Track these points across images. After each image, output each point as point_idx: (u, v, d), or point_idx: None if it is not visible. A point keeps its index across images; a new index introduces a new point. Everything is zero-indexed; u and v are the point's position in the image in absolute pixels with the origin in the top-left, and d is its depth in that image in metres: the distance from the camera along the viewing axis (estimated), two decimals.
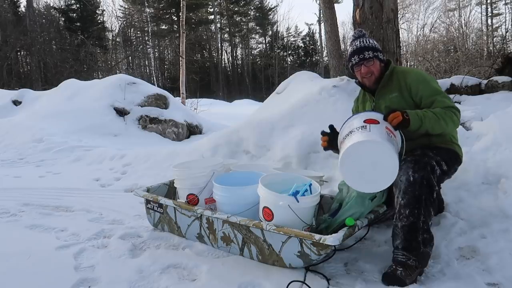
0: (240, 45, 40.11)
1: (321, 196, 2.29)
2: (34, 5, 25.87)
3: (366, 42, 2.29)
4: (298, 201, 2.02)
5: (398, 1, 4.53)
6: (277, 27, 38.79)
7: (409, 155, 2.05)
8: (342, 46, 8.20)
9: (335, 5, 7.74)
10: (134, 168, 4.56)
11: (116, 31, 30.99)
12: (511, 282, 1.85)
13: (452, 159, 2.17)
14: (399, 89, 2.22)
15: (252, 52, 39.66)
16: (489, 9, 28.50)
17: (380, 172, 1.87)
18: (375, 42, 2.33)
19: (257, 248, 2.13)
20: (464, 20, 24.94)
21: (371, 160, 1.86)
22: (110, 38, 31.66)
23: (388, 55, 4.06)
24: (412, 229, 1.92)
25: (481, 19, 28.17)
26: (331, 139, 2.26)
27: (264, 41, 39.78)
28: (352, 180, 1.94)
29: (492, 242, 2.11)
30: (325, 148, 2.32)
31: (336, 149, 2.25)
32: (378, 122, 2.00)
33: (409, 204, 1.92)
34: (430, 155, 2.04)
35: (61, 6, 30.38)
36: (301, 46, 40.00)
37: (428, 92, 2.14)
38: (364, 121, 2.02)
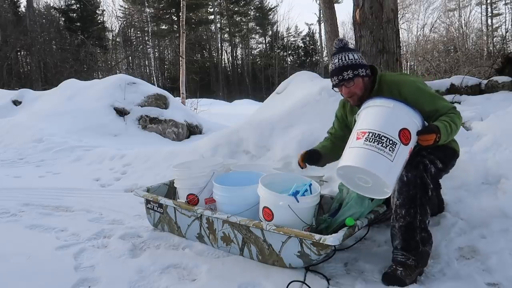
0: (240, 45, 40.10)
1: (321, 196, 2.29)
2: (34, 5, 25.88)
3: (345, 60, 2.11)
4: (298, 201, 2.03)
5: (398, 1, 4.53)
6: (277, 27, 38.81)
7: None
8: None
9: (335, 5, 7.75)
10: (134, 168, 4.56)
11: (116, 31, 31.00)
12: (511, 282, 1.85)
13: (448, 155, 2.14)
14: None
15: (252, 52, 39.65)
16: (489, 9, 28.50)
17: (375, 190, 1.92)
18: (356, 56, 2.14)
19: (257, 248, 2.13)
20: (464, 20, 24.97)
21: (369, 183, 1.88)
22: (110, 38, 31.65)
23: (388, 55, 4.07)
24: (409, 229, 1.92)
25: (481, 19, 28.19)
26: (307, 162, 2.36)
27: (264, 41, 39.77)
28: (348, 183, 1.98)
29: (492, 242, 2.11)
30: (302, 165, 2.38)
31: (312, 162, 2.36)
32: (409, 142, 1.86)
33: (404, 204, 1.92)
34: (423, 153, 2.00)
35: (61, 6, 30.36)
36: (301, 46, 39.99)
37: (428, 99, 2.05)
38: (400, 133, 1.83)
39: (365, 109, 2.03)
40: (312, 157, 2.39)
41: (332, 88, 2.23)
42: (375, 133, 1.84)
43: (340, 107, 2.45)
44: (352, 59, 2.11)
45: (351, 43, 2.25)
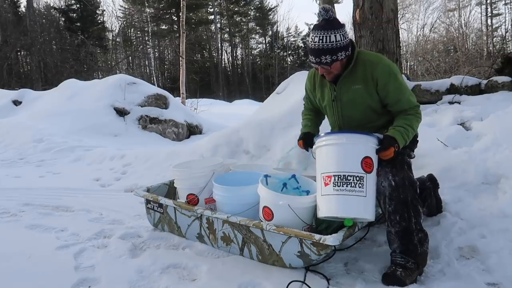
0: (240, 45, 40.07)
1: None
2: (34, 5, 25.89)
3: (325, 42, 1.96)
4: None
5: (398, 1, 4.53)
6: (277, 27, 38.79)
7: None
8: None
9: (335, 5, 7.75)
10: (134, 168, 4.56)
11: (116, 31, 31.00)
12: (511, 282, 1.85)
13: (414, 142, 2.20)
14: (364, 80, 2.06)
15: (252, 52, 39.63)
16: (489, 9, 28.47)
17: (358, 219, 1.97)
18: (338, 37, 1.97)
19: (257, 248, 2.13)
20: (464, 20, 24.93)
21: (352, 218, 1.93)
22: (110, 38, 31.65)
23: (388, 55, 4.07)
24: (406, 233, 1.92)
25: (481, 19, 28.15)
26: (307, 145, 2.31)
27: (264, 41, 39.75)
28: (332, 219, 2.03)
29: (491, 242, 2.12)
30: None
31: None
32: (372, 167, 1.89)
33: (397, 210, 1.91)
34: (401, 151, 2.00)
35: (61, 6, 30.34)
36: (301, 46, 39.93)
37: (395, 87, 2.05)
38: (362, 164, 1.85)
39: (318, 148, 2.01)
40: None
41: (310, 62, 2.14)
42: (340, 175, 1.86)
43: (310, 78, 2.36)
44: (333, 41, 1.97)
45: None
